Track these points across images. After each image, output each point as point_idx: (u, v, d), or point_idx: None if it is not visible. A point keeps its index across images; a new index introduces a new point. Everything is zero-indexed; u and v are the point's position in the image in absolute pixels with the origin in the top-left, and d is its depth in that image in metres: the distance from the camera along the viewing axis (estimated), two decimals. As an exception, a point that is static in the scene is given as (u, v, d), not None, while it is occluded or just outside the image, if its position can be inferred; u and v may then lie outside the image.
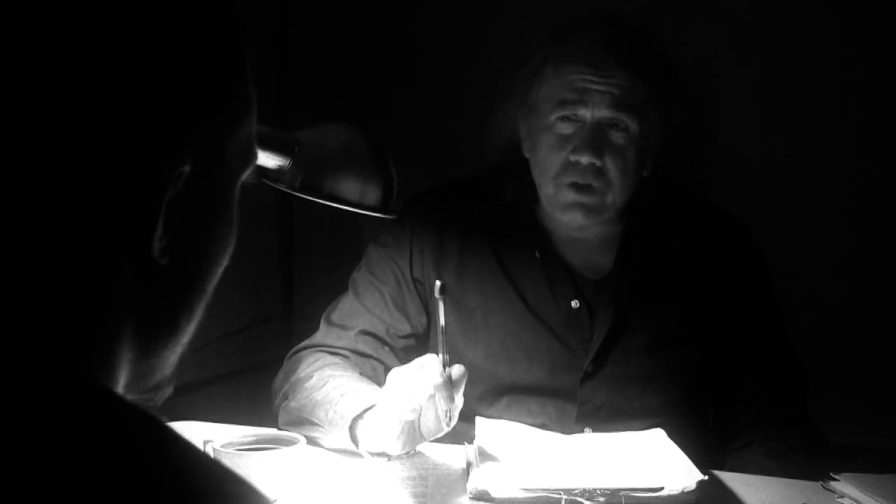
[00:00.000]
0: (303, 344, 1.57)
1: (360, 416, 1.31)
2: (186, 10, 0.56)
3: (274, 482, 1.17)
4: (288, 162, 1.16)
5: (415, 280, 1.58)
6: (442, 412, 1.23)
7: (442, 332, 1.26)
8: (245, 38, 0.60)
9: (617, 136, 1.47)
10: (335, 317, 1.57)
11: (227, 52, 0.59)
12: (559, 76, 1.49)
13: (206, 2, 0.58)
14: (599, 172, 1.47)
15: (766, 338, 1.58)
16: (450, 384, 1.23)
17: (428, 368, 1.24)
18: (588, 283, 1.56)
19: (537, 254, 1.57)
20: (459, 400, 1.25)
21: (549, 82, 1.50)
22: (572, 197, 1.48)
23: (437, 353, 1.25)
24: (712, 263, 1.57)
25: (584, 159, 1.46)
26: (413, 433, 1.28)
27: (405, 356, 1.57)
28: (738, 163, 2.14)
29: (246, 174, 0.62)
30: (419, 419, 1.28)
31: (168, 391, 0.63)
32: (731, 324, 1.56)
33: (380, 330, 1.55)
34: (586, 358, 1.52)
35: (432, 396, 1.23)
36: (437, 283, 1.29)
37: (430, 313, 1.58)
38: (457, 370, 1.24)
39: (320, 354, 1.51)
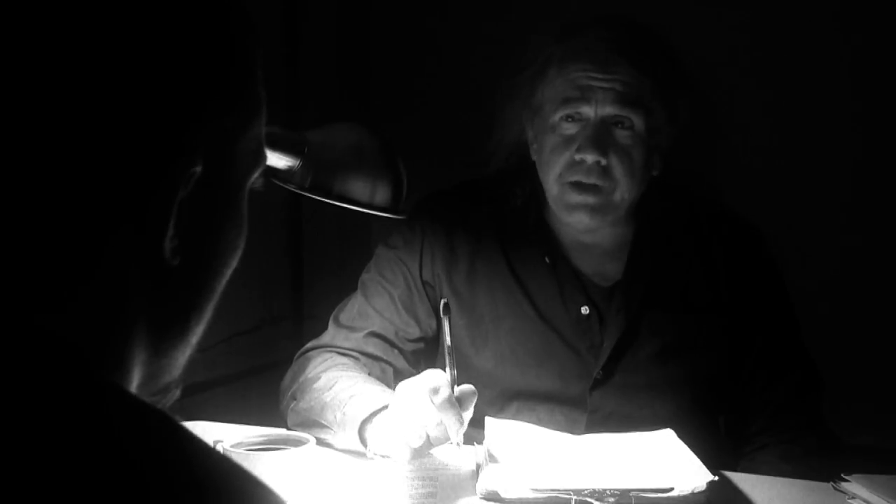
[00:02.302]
0: (311, 344, 1.56)
1: (368, 420, 1.30)
2: (197, 13, 0.56)
3: (284, 482, 1.17)
4: (298, 162, 1.16)
5: (424, 283, 1.57)
6: (452, 432, 1.22)
7: (449, 352, 1.25)
8: (256, 40, 0.61)
9: (622, 135, 1.46)
10: (344, 318, 1.57)
11: (238, 54, 0.59)
12: (562, 75, 1.48)
13: (216, 4, 0.58)
14: (604, 171, 1.46)
15: (781, 342, 1.56)
16: (457, 405, 1.22)
17: (437, 393, 1.21)
18: (598, 289, 1.55)
19: (547, 259, 1.56)
20: (467, 418, 1.24)
21: (553, 83, 1.49)
22: (577, 198, 1.47)
23: (446, 370, 1.25)
24: (725, 268, 1.56)
25: (589, 158, 1.45)
26: (422, 447, 1.28)
27: (414, 359, 1.57)
28: (745, 165, 2.13)
29: (256, 175, 0.62)
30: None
31: (176, 394, 0.63)
32: (745, 329, 1.54)
33: (389, 332, 1.55)
34: (596, 365, 1.51)
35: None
36: (442, 301, 1.28)
37: (439, 317, 1.58)
38: (465, 390, 1.23)
39: (329, 355, 1.51)
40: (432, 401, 1.20)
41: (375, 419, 1.30)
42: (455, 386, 1.23)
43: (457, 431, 1.22)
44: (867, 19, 2.11)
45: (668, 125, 1.51)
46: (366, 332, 1.54)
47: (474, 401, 1.24)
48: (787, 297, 1.59)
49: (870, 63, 2.12)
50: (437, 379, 1.23)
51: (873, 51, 2.12)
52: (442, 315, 1.27)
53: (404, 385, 1.27)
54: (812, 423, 1.54)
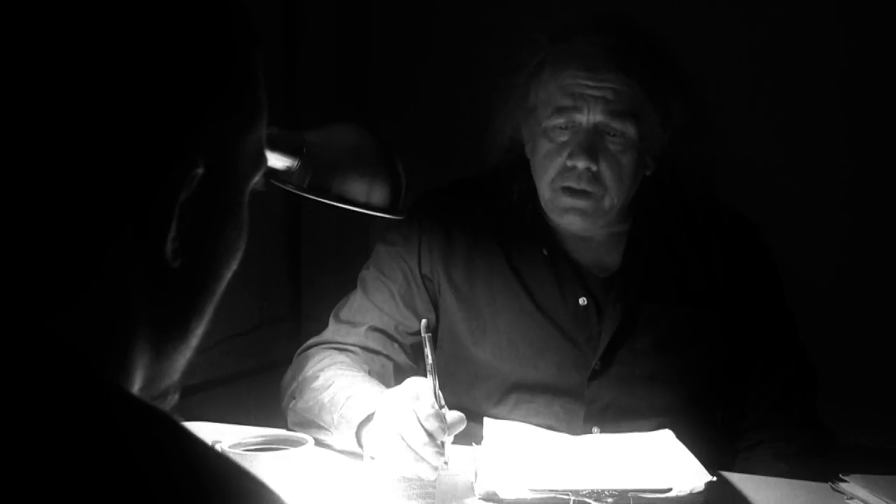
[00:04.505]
0: (312, 341, 1.57)
1: (365, 423, 1.31)
2: (199, 15, 0.57)
3: (282, 482, 1.17)
4: (296, 163, 1.16)
5: (423, 277, 1.58)
6: (434, 462, 1.22)
7: (432, 371, 1.25)
8: (257, 43, 0.61)
9: (613, 141, 1.47)
10: (344, 314, 1.57)
11: (239, 56, 0.59)
12: (556, 80, 1.48)
13: (218, 7, 0.58)
14: (595, 177, 1.47)
15: (775, 337, 1.57)
16: (444, 423, 1.21)
17: (426, 419, 1.21)
18: (596, 280, 1.56)
19: (545, 251, 1.57)
20: (449, 442, 1.23)
21: (546, 86, 1.50)
22: (568, 202, 1.49)
23: (428, 376, 1.25)
24: (721, 262, 1.57)
25: (580, 164, 1.46)
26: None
27: (414, 353, 1.57)
28: (742, 162, 2.14)
29: (256, 177, 0.63)
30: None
31: (175, 398, 0.63)
32: (740, 323, 1.55)
33: (389, 326, 1.55)
34: (594, 356, 1.52)
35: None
36: (423, 321, 1.28)
37: (439, 310, 1.59)
38: (453, 416, 1.23)
39: (328, 352, 1.51)
40: (420, 435, 1.20)
41: (372, 422, 1.30)
42: (441, 406, 1.23)
43: (437, 460, 1.22)
44: (865, 17, 2.11)
45: (660, 128, 1.51)
46: (366, 326, 1.54)
47: (462, 427, 1.24)
48: (782, 293, 1.60)
49: (868, 61, 2.13)
50: (420, 391, 1.24)
51: (871, 48, 2.12)
52: (423, 334, 1.26)
53: (386, 401, 1.27)
54: (806, 421, 1.55)
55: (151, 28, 0.54)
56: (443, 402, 1.24)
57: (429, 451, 1.21)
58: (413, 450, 1.22)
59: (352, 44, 2.44)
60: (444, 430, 1.21)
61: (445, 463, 1.22)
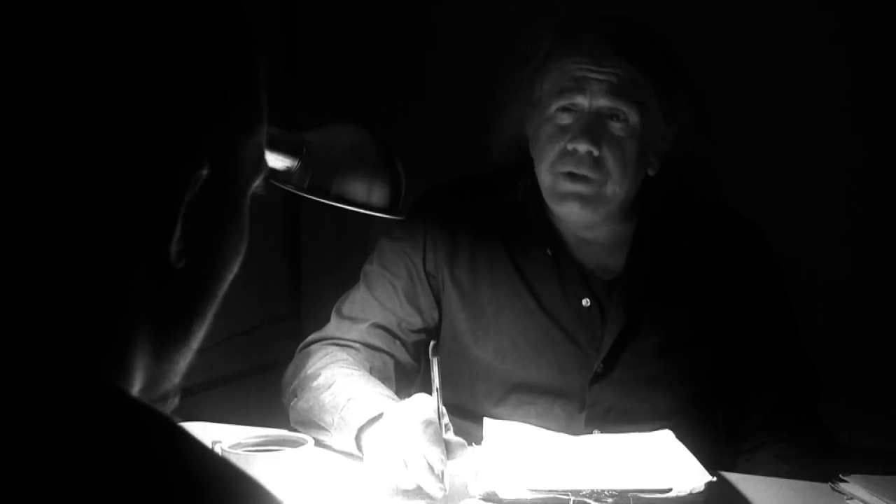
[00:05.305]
0: (313, 336, 1.56)
1: (364, 428, 1.30)
2: (201, 18, 0.57)
3: (281, 483, 1.17)
4: (296, 163, 1.16)
5: (427, 274, 1.57)
6: (435, 472, 1.20)
7: (437, 392, 1.24)
8: (258, 46, 0.61)
9: (616, 127, 1.46)
10: (346, 309, 1.57)
11: (241, 59, 0.60)
12: (560, 68, 1.48)
13: (219, 10, 0.58)
14: (596, 162, 1.46)
15: (778, 340, 1.57)
16: (444, 454, 1.20)
17: (429, 450, 1.20)
18: (600, 282, 1.56)
19: (549, 252, 1.56)
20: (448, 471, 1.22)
21: (551, 76, 1.50)
22: (568, 187, 1.47)
23: (433, 394, 1.24)
24: (724, 265, 1.56)
25: (581, 147, 1.45)
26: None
27: (415, 350, 1.57)
28: (745, 162, 2.14)
29: (258, 181, 0.63)
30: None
31: (175, 402, 0.63)
32: (742, 326, 1.55)
33: (392, 323, 1.55)
34: (597, 358, 1.52)
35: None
36: (432, 343, 1.27)
37: (441, 308, 1.58)
38: (455, 441, 1.23)
39: (330, 349, 1.51)
40: (421, 461, 1.19)
41: (371, 428, 1.30)
42: (446, 426, 1.23)
43: (441, 471, 1.20)
44: (868, 13, 2.11)
45: (664, 123, 1.51)
46: (368, 323, 1.54)
47: (462, 453, 1.23)
48: (785, 295, 1.60)
49: (871, 58, 2.13)
50: (427, 415, 1.22)
51: (874, 44, 2.12)
52: (431, 356, 1.25)
53: (392, 416, 1.26)
54: (809, 423, 1.55)
55: (154, 30, 0.54)
56: (446, 421, 1.24)
57: (430, 483, 1.20)
58: (414, 477, 1.21)
59: (352, 44, 2.44)
60: (444, 462, 1.20)
61: (444, 491, 1.21)
